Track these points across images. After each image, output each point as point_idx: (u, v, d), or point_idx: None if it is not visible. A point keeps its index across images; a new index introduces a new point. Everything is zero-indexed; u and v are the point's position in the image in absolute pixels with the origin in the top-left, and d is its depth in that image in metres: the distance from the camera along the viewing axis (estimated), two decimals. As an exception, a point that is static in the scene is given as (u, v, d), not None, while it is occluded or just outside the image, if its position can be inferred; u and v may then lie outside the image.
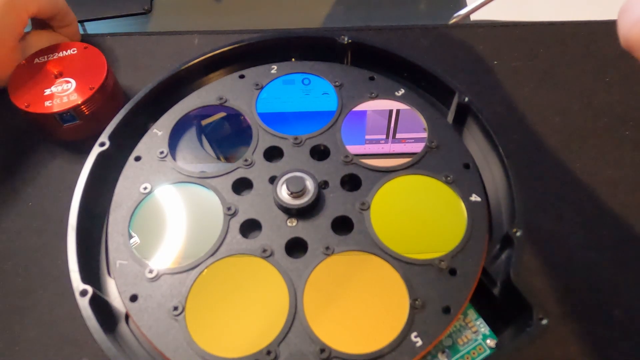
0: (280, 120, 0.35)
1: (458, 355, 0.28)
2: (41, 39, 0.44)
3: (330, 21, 0.57)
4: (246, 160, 0.33)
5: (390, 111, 0.35)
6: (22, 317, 0.34)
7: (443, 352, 0.28)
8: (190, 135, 0.35)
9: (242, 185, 0.32)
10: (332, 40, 0.38)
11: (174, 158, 0.33)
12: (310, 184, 0.31)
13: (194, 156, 0.34)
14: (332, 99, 0.36)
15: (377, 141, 0.34)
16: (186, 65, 0.37)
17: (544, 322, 0.26)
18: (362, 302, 0.28)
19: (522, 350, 0.26)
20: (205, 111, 0.36)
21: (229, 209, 0.31)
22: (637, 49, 0.23)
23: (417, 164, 0.32)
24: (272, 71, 0.37)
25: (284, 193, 0.31)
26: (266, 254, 0.29)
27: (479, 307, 0.29)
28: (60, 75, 0.41)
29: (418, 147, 0.33)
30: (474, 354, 0.28)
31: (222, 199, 0.31)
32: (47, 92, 0.40)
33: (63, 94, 0.39)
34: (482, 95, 0.44)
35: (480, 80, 0.45)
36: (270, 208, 0.31)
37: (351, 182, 0.32)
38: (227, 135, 0.35)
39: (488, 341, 0.28)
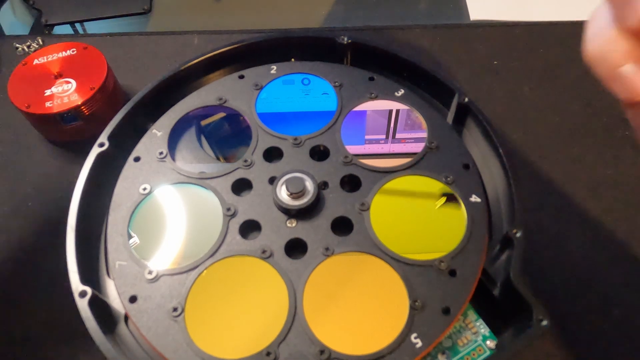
0: (280, 120, 0.35)
1: (458, 357, 0.28)
2: None
3: (330, 21, 0.57)
4: (246, 160, 0.33)
5: (390, 111, 0.35)
6: (22, 317, 0.34)
7: (443, 353, 0.28)
8: (190, 135, 0.35)
9: (241, 186, 0.32)
10: (332, 40, 0.37)
11: (173, 158, 0.33)
12: (310, 185, 0.31)
13: (194, 156, 0.34)
14: (332, 99, 0.36)
15: (377, 141, 0.34)
16: (186, 65, 0.37)
17: (544, 322, 0.26)
18: (362, 303, 0.28)
19: (522, 351, 0.26)
20: (205, 111, 0.36)
21: (228, 209, 0.31)
22: (592, 64, 0.21)
23: (417, 165, 0.32)
24: (272, 71, 0.37)
25: (283, 194, 0.31)
26: (266, 255, 0.29)
27: (479, 308, 0.29)
28: (61, 75, 0.41)
29: (418, 148, 0.33)
30: (473, 355, 0.28)
31: (222, 200, 0.31)
32: (48, 92, 0.40)
33: (63, 94, 0.40)
34: (482, 95, 0.44)
35: (480, 80, 0.45)
36: (269, 209, 0.31)
37: (351, 183, 0.32)
38: (226, 135, 0.35)
39: (488, 342, 0.28)
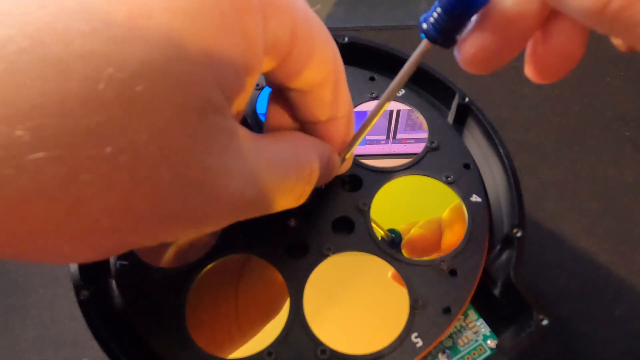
0: (281, 120, 0.35)
1: (458, 356, 0.28)
2: None
3: (330, 21, 0.57)
4: (246, 160, 0.33)
5: (391, 111, 0.35)
6: (22, 317, 0.34)
7: (443, 352, 0.28)
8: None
9: (242, 186, 0.32)
10: (332, 40, 0.37)
11: (174, 158, 0.33)
12: (310, 184, 0.31)
13: (194, 156, 0.33)
14: (333, 99, 0.36)
15: (378, 142, 0.34)
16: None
17: (544, 322, 0.26)
18: (362, 303, 0.28)
19: (522, 351, 0.26)
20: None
21: (229, 209, 0.31)
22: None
23: (417, 164, 0.32)
24: (273, 71, 0.37)
25: (284, 193, 0.31)
26: (266, 255, 0.29)
27: (480, 307, 0.29)
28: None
29: (418, 148, 0.33)
30: (474, 354, 0.28)
31: (223, 199, 0.31)
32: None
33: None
34: (482, 95, 0.44)
35: (481, 80, 0.45)
36: (270, 208, 0.31)
37: (352, 183, 0.32)
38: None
39: (488, 342, 0.28)
